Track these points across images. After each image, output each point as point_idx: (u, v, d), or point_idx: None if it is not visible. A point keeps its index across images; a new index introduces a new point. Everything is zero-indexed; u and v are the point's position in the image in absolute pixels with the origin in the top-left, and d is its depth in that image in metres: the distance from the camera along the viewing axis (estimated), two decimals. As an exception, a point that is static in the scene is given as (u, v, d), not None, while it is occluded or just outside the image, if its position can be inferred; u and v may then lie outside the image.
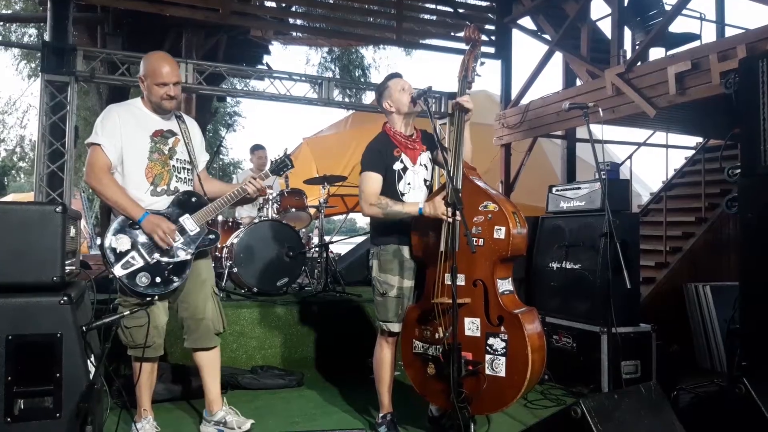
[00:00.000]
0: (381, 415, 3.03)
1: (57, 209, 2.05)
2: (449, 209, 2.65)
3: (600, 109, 3.26)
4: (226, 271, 4.75)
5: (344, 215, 10.47)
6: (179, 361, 3.83)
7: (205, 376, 2.96)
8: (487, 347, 2.70)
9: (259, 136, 49.29)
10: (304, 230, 5.59)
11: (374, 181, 2.90)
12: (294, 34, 9.37)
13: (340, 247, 7.14)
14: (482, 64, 3.05)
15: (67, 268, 2.11)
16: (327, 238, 5.54)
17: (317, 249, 5.32)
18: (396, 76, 3.03)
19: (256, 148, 6.24)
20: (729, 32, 6.18)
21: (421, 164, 3.00)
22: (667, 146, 7.62)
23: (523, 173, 7.53)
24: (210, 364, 2.96)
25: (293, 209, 5.18)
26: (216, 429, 2.96)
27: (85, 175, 2.69)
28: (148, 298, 2.63)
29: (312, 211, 5.61)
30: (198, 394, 3.40)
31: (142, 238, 2.66)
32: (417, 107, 2.95)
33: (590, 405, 1.90)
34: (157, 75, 2.70)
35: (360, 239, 6.67)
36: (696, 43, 5.62)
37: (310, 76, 6.72)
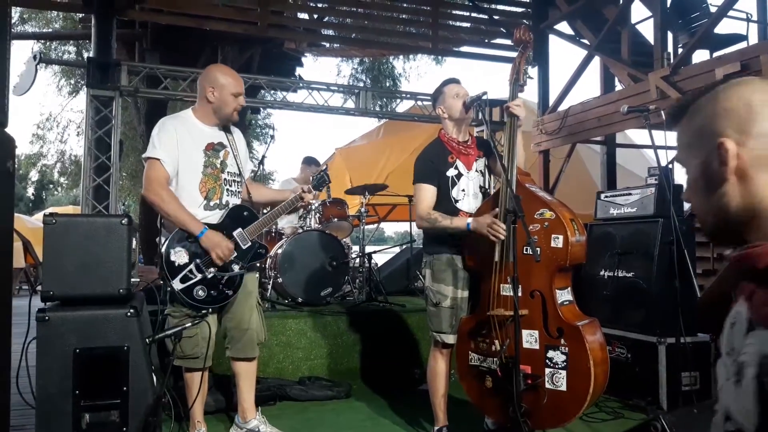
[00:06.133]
0: (436, 428, 2.97)
1: (123, 221, 2.06)
2: (505, 219, 2.60)
3: (662, 112, 3.17)
4: (271, 282, 4.75)
5: (375, 225, 10.46)
6: (226, 373, 3.82)
7: (242, 384, 3.00)
8: (547, 360, 2.62)
9: (290, 147, 49.83)
10: (345, 240, 5.57)
11: (427, 193, 2.86)
12: (327, 45, 9.44)
13: (378, 256, 7.11)
14: (534, 66, 3.01)
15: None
16: (370, 248, 5.51)
17: (359, 258, 5.29)
18: (452, 81, 2.99)
19: (313, 162, 6.05)
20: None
21: (476, 171, 2.95)
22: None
23: (561, 180, 7.41)
24: (248, 374, 3.00)
25: (335, 219, 5.17)
26: None
27: (144, 189, 2.70)
28: (203, 311, 2.68)
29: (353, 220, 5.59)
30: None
31: (198, 252, 2.70)
32: (470, 114, 2.92)
33: (671, 420, 1.82)
34: (234, 86, 2.81)
35: (398, 249, 6.62)
36: (742, 44, 5.46)
37: (347, 86, 6.74)
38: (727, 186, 0.86)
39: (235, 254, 2.77)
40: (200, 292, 2.67)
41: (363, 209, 5.31)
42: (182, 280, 2.65)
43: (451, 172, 2.90)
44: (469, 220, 2.74)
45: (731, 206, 0.87)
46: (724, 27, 5.71)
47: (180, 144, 2.73)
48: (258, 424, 3.00)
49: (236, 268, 2.78)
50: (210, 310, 2.73)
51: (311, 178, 3.08)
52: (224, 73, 2.85)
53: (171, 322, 2.72)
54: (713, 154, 0.86)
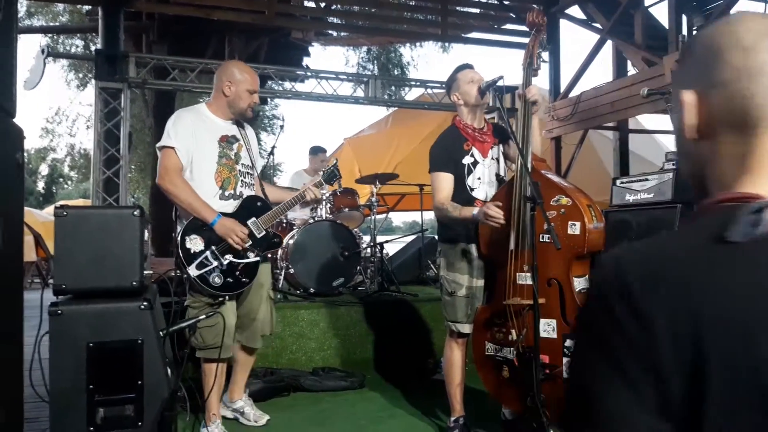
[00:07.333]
0: (453, 418, 2.94)
1: (135, 213, 2.03)
2: (522, 205, 2.54)
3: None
4: (283, 272, 4.72)
5: (385, 214, 10.42)
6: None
7: (238, 368, 3.14)
8: (565, 350, 2.57)
9: (299, 138, 49.79)
10: (356, 230, 5.54)
11: (444, 182, 2.80)
12: (335, 34, 9.36)
13: (389, 246, 7.07)
14: (547, 50, 2.94)
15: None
16: (381, 238, 5.47)
17: (370, 248, 5.25)
18: (466, 67, 2.92)
19: (320, 151, 6.11)
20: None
21: (492, 158, 2.89)
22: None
23: (573, 166, 7.32)
24: (246, 363, 3.15)
25: (346, 209, 5.13)
26: (233, 415, 3.15)
27: (159, 178, 2.74)
28: (220, 298, 2.72)
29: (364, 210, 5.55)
30: (258, 396, 3.42)
31: (214, 240, 2.71)
32: (486, 99, 2.85)
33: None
34: (252, 83, 2.87)
35: (409, 238, 6.58)
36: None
37: (356, 74, 6.68)
38: (690, 147, 0.72)
39: (250, 242, 2.79)
40: (216, 279, 2.69)
41: (374, 198, 5.27)
42: (198, 267, 2.67)
43: (467, 160, 2.84)
44: (475, 210, 2.69)
45: (688, 171, 0.74)
46: (740, 9, 5.60)
47: (195, 135, 2.78)
48: (243, 405, 3.15)
49: (252, 255, 2.81)
50: (227, 297, 2.76)
51: (321, 172, 3.12)
52: (241, 69, 2.92)
53: (191, 312, 2.75)
54: (681, 109, 0.71)
